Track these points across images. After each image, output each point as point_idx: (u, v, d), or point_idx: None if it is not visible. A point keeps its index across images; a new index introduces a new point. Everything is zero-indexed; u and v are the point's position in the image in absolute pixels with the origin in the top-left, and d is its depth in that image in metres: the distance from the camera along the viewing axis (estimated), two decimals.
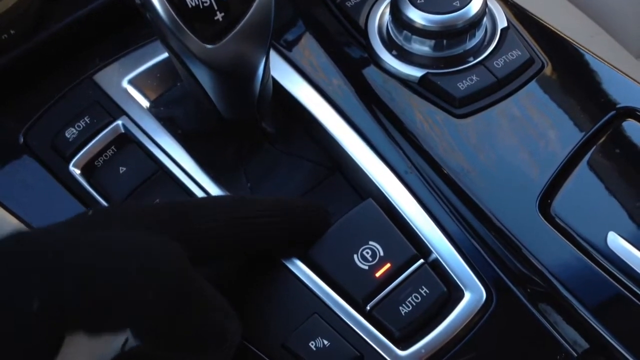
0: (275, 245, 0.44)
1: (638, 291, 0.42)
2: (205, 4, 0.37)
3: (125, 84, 0.50)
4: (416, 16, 0.49)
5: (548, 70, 0.51)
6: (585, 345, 0.43)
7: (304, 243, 0.44)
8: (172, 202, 0.39)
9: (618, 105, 0.49)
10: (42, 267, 0.29)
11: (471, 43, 0.51)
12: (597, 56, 0.52)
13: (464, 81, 0.50)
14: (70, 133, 0.48)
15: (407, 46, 0.52)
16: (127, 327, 0.30)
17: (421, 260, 0.44)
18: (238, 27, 0.38)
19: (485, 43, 0.52)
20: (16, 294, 0.28)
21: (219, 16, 0.37)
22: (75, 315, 0.28)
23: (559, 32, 0.53)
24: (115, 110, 0.49)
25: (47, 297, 0.28)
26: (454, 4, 0.49)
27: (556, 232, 0.44)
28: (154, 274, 0.31)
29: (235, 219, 0.39)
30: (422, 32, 0.50)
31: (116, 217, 0.35)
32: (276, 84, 0.51)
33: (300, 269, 0.44)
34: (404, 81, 0.51)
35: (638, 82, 0.50)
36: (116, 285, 0.30)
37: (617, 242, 0.43)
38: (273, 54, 0.52)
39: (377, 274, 0.43)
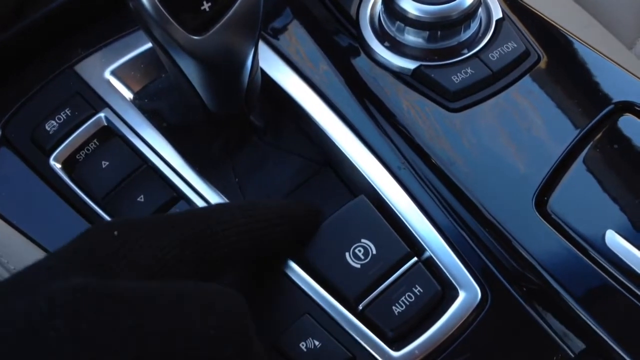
0: (278, 251, 0.43)
1: (637, 291, 0.41)
2: None
3: (107, 74, 0.49)
4: (410, 6, 0.48)
5: (544, 63, 0.50)
6: (582, 345, 0.42)
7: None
8: (192, 214, 0.37)
9: (616, 100, 0.48)
10: (125, 334, 0.27)
11: (466, 35, 0.50)
12: (595, 49, 0.51)
13: (458, 74, 0.48)
14: (51, 126, 0.47)
15: (400, 37, 0.50)
16: None
17: (415, 259, 0.43)
18: (226, 18, 0.37)
19: (480, 35, 0.51)
20: None
21: (206, 6, 0.36)
22: None
23: (555, 24, 0.52)
24: (98, 102, 0.48)
25: None
26: None
27: (553, 229, 0.43)
28: (228, 339, 0.31)
29: (251, 230, 0.38)
30: (416, 23, 0.48)
31: (141, 234, 0.34)
32: (265, 76, 0.49)
33: (291, 267, 0.43)
34: (397, 73, 0.50)
35: (636, 76, 0.49)
36: (194, 352, 0.29)
37: (615, 241, 0.42)
38: (262, 45, 0.50)
39: (370, 273, 0.42)
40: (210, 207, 0.43)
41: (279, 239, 0.40)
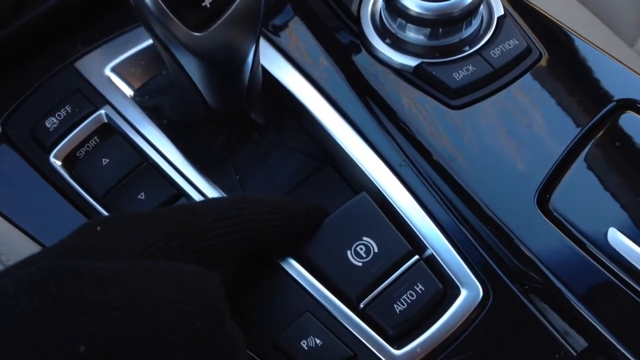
0: (274, 247, 0.43)
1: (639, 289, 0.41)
2: None
3: (108, 71, 0.49)
4: (411, 3, 0.48)
5: (546, 60, 0.50)
6: (584, 344, 0.42)
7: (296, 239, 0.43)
8: (179, 208, 0.37)
9: (617, 97, 0.48)
10: (89, 309, 0.28)
11: (467, 32, 0.49)
12: (596, 46, 0.50)
13: (459, 71, 0.48)
14: (51, 123, 0.46)
15: (401, 34, 0.50)
16: None
17: (416, 257, 0.43)
18: (227, 14, 0.37)
19: (482, 32, 0.50)
20: (64, 337, 0.27)
21: (207, 2, 0.36)
22: (118, 357, 0.28)
23: (556, 21, 0.52)
24: (98, 99, 0.47)
25: (94, 340, 0.27)
26: None
27: (555, 227, 0.43)
28: (197, 312, 0.30)
29: (241, 222, 0.38)
30: (417, 20, 0.48)
31: (125, 228, 0.34)
32: (266, 73, 0.49)
33: (291, 265, 0.43)
34: (398, 71, 0.50)
35: (637, 73, 0.49)
36: (160, 326, 0.29)
37: (617, 238, 0.42)
38: (263, 42, 0.50)
39: (371, 271, 0.42)
40: (202, 201, 0.43)
41: (274, 233, 0.40)
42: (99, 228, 0.33)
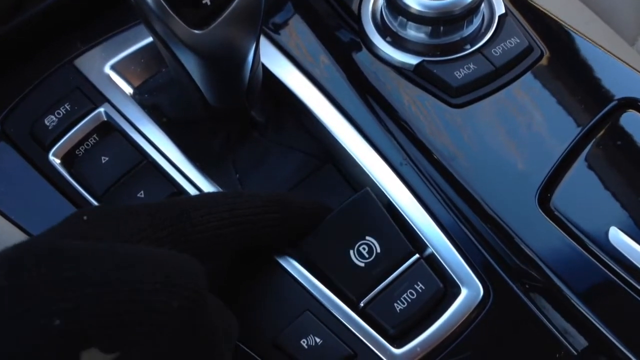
0: (271, 242, 0.42)
1: None
2: None
3: (107, 69, 0.48)
4: (412, 1, 0.48)
5: (547, 58, 0.50)
6: (585, 343, 0.42)
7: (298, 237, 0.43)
8: (170, 201, 0.37)
9: (619, 96, 0.48)
10: (64, 284, 0.28)
11: (468, 30, 0.49)
12: (598, 44, 0.50)
13: (461, 69, 0.48)
14: (50, 121, 0.46)
15: (402, 32, 0.50)
16: (141, 346, 0.29)
17: (416, 255, 0.43)
18: (227, 12, 0.36)
19: (483, 30, 0.50)
20: (38, 311, 0.27)
21: (207, 0, 0.35)
22: (95, 334, 0.28)
23: (558, 19, 0.52)
24: (97, 97, 0.47)
25: (69, 315, 0.27)
26: None
27: (556, 226, 0.43)
28: (175, 293, 0.30)
29: (235, 216, 0.38)
30: (418, 18, 0.48)
31: (112, 218, 0.34)
32: (266, 71, 0.49)
33: (291, 264, 0.43)
34: (399, 69, 0.50)
35: (639, 72, 0.49)
36: (137, 304, 0.29)
37: (618, 237, 0.42)
38: (263, 40, 0.50)
39: (374, 272, 0.42)
40: (195, 195, 0.43)
41: (269, 227, 0.40)
42: (85, 217, 0.33)
